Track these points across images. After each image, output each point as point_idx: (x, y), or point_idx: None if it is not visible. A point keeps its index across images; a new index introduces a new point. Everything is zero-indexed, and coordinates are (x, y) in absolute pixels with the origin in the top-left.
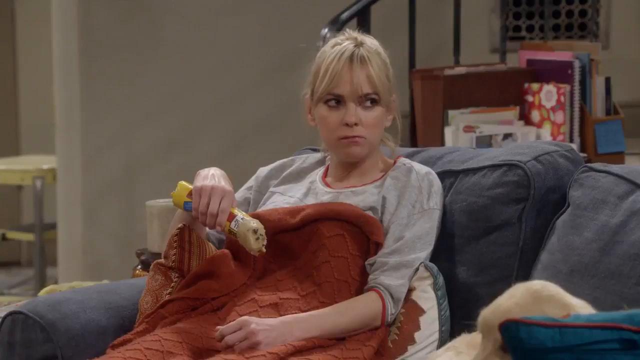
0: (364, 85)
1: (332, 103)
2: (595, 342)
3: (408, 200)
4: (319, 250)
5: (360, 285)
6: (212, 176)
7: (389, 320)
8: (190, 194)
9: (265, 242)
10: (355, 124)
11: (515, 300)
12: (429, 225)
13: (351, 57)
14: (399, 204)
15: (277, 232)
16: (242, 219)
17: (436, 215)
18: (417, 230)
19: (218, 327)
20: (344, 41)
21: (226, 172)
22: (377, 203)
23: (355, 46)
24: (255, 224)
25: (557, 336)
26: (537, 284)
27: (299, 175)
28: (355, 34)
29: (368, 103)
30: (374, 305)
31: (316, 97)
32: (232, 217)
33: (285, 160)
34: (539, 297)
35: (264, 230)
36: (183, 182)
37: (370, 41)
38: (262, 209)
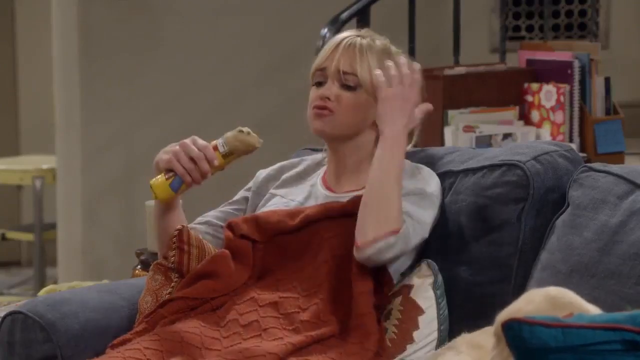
0: (344, 64)
1: (317, 79)
2: (597, 343)
3: (407, 187)
4: (319, 251)
5: (361, 283)
6: (166, 148)
7: (400, 236)
8: (167, 174)
9: (254, 134)
10: (328, 98)
11: (535, 305)
12: (430, 202)
13: (342, 39)
14: None
15: (276, 234)
16: (223, 138)
17: (437, 202)
18: (419, 200)
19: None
20: (351, 32)
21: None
22: None
23: (357, 35)
24: (234, 130)
25: (560, 336)
26: (553, 290)
27: (299, 178)
28: (369, 32)
29: (348, 84)
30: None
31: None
32: (215, 147)
33: (284, 162)
34: (557, 303)
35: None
36: (152, 180)
37: (380, 41)
38: (262, 210)
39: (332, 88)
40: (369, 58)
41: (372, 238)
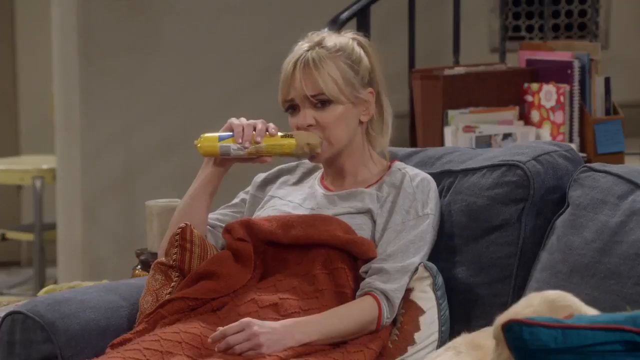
0: (308, 87)
1: (290, 110)
2: (597, 344)
3: (402, 206)
4: (317, 257)
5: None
6: None
7: (384, 325)
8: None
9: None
10: (310, 125)
11: (533, 309)
12: (423, 230)
13: (295, 63)
14: (393, 210)
15: (269, 242)
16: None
17: (431, 220)
18: (411, 235)
19: (219, 328)
20: (302, 45)
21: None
22: (375, 206)
23: (306, 50)
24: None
25: (560, 337)
26: (552, 294)
27: (299, 180)
28: (315, 36)
29: (320, 104)
30: (371, 310)
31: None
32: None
33: (282, 165)
34: (556, 306)
35: None
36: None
37: (332, 40)
38: (261, 211)
39: (307, 115)
40: (327, 68)
41: (377, 327)
